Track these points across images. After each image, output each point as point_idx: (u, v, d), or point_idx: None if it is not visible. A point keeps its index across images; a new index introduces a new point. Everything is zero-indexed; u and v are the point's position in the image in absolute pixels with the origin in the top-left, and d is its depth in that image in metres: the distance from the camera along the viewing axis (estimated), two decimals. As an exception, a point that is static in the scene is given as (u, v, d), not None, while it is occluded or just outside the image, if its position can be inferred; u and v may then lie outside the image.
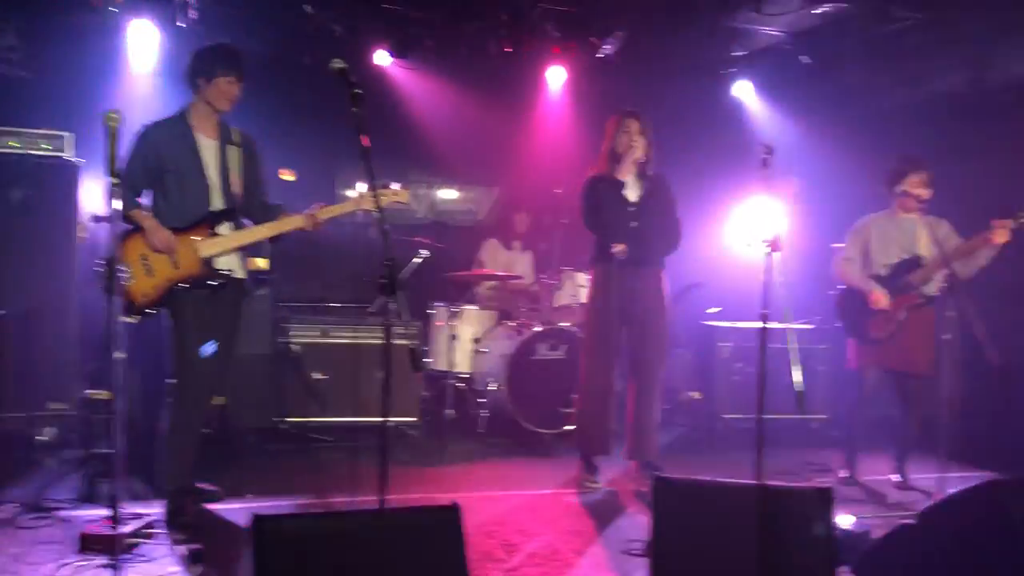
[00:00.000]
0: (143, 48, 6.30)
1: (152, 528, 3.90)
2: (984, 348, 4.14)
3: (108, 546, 3.51)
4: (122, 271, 3.86)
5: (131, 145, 4.06)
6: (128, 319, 3.96)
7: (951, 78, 6.62)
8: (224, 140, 4.24)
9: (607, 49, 6.64)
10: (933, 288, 5.09)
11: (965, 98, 6.52)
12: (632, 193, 5.01)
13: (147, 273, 4.02)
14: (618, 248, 4.91)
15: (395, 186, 4.28)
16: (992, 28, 6.20)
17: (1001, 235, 4.74)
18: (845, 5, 5.87)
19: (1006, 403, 5.73)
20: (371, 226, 4.10)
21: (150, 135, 4.09)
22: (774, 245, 3.96)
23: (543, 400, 5.98)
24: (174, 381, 4.18)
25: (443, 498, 4.56)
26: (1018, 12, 5.83)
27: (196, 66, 4.16)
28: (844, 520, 3.87)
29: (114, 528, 3.21)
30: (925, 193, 5.04)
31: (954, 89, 6.58)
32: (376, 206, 3.83)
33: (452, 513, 2.46)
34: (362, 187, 4.26)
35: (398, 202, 4.29)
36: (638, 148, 4.94)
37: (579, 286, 6.40)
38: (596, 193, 5.00)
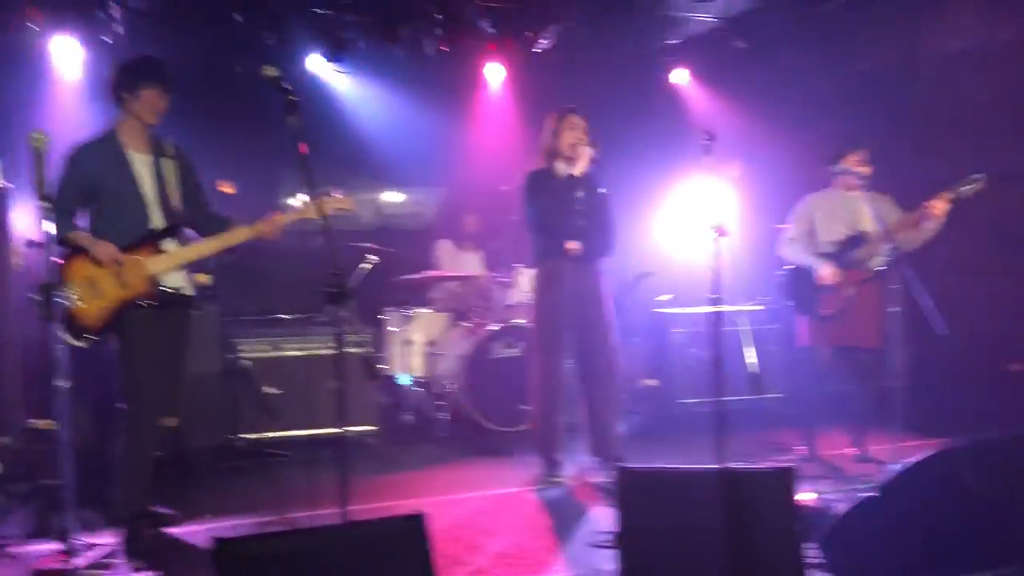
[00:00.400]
0: (68, 66, 6.13)
1: (109, 558, 3.80)
2: (930, 319, 4.21)
3: (63, 581, 3.41)
4: (65, 296, 3.78)
5: (62, 168, 3.94)
6: (78, 343, 3.85)
7: (883, 56, 6.74)
8: (157, 154, 4.13)
9: (543, 43, 6.63)
10: (878, 263, 5.17)
11: (898, 75, 6.65)
12: (578, 190, 4.99)
13: (95, 295, 3.91)
14: (573, 246, 4.90)
15: (337, 193, 4.21)
16: (920, 4, 6.32)
17: (940, 208, 4.83)
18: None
19: (953, 371, 5.85)
20: (314, 235, 4.03)
21: (80, 156, 3.96)
22: (721, 230, 3.99)
23: (502, 399, 5.95)
24: (124, 405, 4.06)
25: (406, 505, 4.56)
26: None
27: (119, 80, 4.04)
28: (806, 497, 3.92)
29: (67, 561, 3.09)
30: (865, 170, 5.11)
31: (886, 66, 6.70)
32: (320, 214, 3.81)
33: (416, 522, 2.42)
34: (304, 196, 4.17)
35: (343, 209, 4.22)
36: (591, 147, 4.92)
37: (532, 282, 6.38)
38: (541, 189, 4.98)
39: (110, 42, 5.91)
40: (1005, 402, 5.54)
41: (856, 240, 5.21)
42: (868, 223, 5.21)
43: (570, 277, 4.95)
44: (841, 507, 3.72)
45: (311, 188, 3.19)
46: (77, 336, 3.85)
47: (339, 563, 2.32)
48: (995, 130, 5.97)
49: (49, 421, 5.39)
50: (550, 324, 5.01)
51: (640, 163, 7.12)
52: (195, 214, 4.25)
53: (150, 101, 4.03)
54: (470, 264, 7.25)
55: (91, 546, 3.81)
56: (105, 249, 3.90)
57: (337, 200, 4.16)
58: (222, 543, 2.33)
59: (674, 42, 7.30)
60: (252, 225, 4.18)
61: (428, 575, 2.37)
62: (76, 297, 3.84)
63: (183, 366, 4.29)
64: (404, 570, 2.37)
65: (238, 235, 4.17)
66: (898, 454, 4.49)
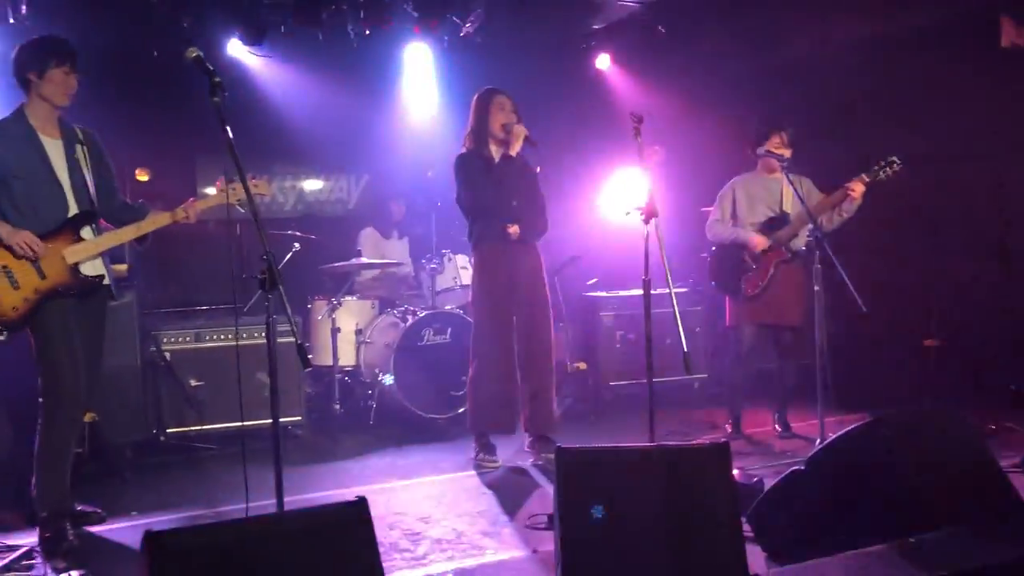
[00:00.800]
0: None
1: (28, 559, 3.65)
2: (853, 297, 4.33)
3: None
4: None
5: None
6: None
7: (799, 39, 6.89)
8: (68, 139, 3.98)
9: (467, 27, 6.59)
10: (800, 243, 5.30)
11: (814, 59, 6.81)
12: (513, 171, 4.98)
13: (12, 286, 3.74)
14: (512, 228, 4.89)
15: (254, 178, 4.11)
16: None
17: (858, 190, 4.97)
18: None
19: (872, 348, 6.05)
20: (232, 223, 3.94)
21: None
22: (648, 212, 4.04)
23: (433, 385, 5.92)
24: (41, 399, 3.90)
25: (341, 494, 4.50)
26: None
27: (25, 61, 3.86)
28: (733, 473, 4.00)
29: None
30: (787, 152, 5.22)
31: (803, 50, 6.85)
32: (240, 199, 3.74)
33: (359, 508, 2.38)
34: (221, 182, 4.09)
35: (259, 194, 4.11)
36: (522, 127, 4.91)
37: (460, 268, 6.37)
38: (473, 172, 4.96)
39: (15, 24, 5.64)
40: (921, 377, 5.76)
41: (778, 221, 5.33)
42: (790, 204, 5.33)
43: (510, 260, 4.95)
44: (767, 482, 3.83)
45: (237, 170, 3.09)
46: None
47: (280, 553, 2.27)
48: (908, 113, 6.17)
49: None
50: (493, 305, 4.99)
51: (565, 147, 7.15)
52: (107, 202, 4.11)
53: (60, 81, 3.86)
54: (396, 251, 7.19)
55: (9, 547, 3.66)
56: (21, 236, 3.73)
57: (255, 185, 4.05)
58: (153, 536, 2.25)
59: (597, 27, 7.33)
60: (170, 211, 4.07)
61: (374, 561, 2.34)
62: None
63: (101, 357, 4.17)
64: (349, 557, 2.33)
65: (155, 221, 4.07)
66: (820, 430, 4.65)
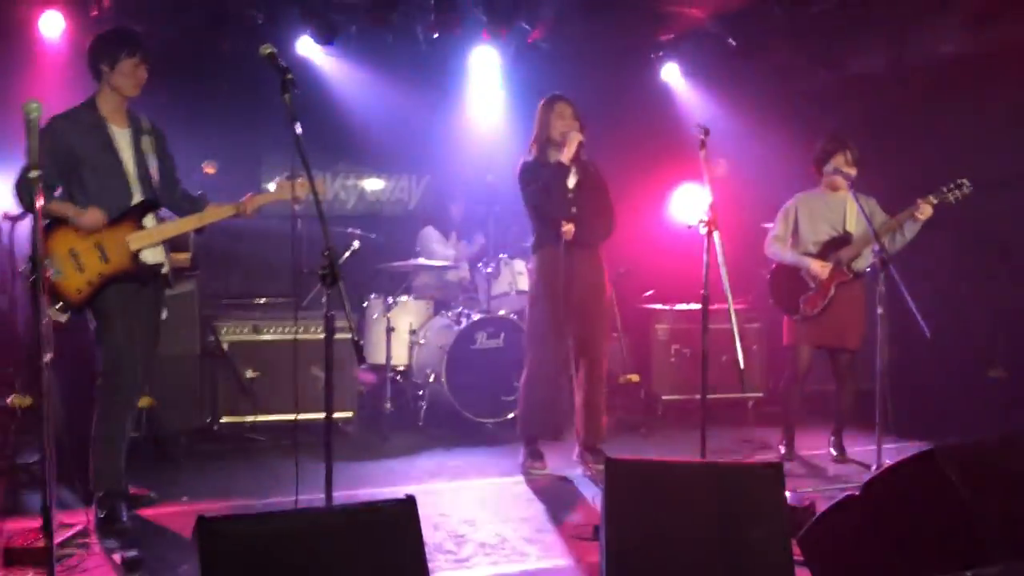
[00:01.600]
0: (53, 39, 6.02)
1: (83, 537, 3.74)
2: (916, 321, 4.23)
3: (37, 559, 3.34)
4: (49, 268, 3.72)
5: (40, 139, 3.87)
6: (60, 318, 3.80)
7: (870, 58, 6.77)
8: (136, 129, 4.09)
9: (536, 34, 6.60)
10: (862, 264, 5.19)
11: (884, 78, 6.69)
12: (570, 179, 4.98)
13: (77, 269, 3.86)
14: (567, 227, 4.87)
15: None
16: (908, 9, 6.36)
17: (925, 210, 4.86)
18: (769, -13, 5.94)
19: (934, 374, 5.90)
20: (295, 218, 4.02)
21: (59, 127, 3.88)
22: (711, 225, 4.00)
23: (483, 389, 5.92)
24: (100, 382, 4.01)
25: (388, 492, 4.53)
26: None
27: (98, 52, 3.97)
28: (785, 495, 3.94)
29: (48, 539, 3.02)
30: (852, 171, 5.12)
31: (874, 69, 6.74)
32: (301, 195, 3.82)
33: (408, 506, 2.39)
34: (280, 178, 4.17)
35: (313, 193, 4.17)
36: (580, 133, 4.91)
37: (517, 273, 6.37)
38: (533, 179, 4.96)
39: (97, 16, 5.80)
40: (984, 407, 5.60)
41: (840, 240, 5.23)
42: (853, 224, 5.23)
43: (568, 264, 4.94)
44: (820, 505, 3.75)
45: (304, 167, 3.13)
46: (61, 309, 3.81)
47: (328, 546, 2.29)
48: (979, 135, 6.02)
49: (23, 398, 5.32)
50: (549, 312, 4.97)
51: (628, 157, 7.11)
52: (169, 192, 4.21)
53: (130, 72, 3.97)
54: (454, 253, 7.21)
55: (65, 525, 3.75)
56: (90, 216, 3.84)
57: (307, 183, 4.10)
58: (205, 522, 2.28)
59: (665, 38, 7.28)
60: (231, 204, 4.15)
61: (420, 559, 2.34)
62: (58, 271, 3.79)
63: (157, 344, 4.26)
64: (395, 553, 2.33)
65: (216, 213, 4.14)
66: (877, 456, 4.55)
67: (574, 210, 4.94)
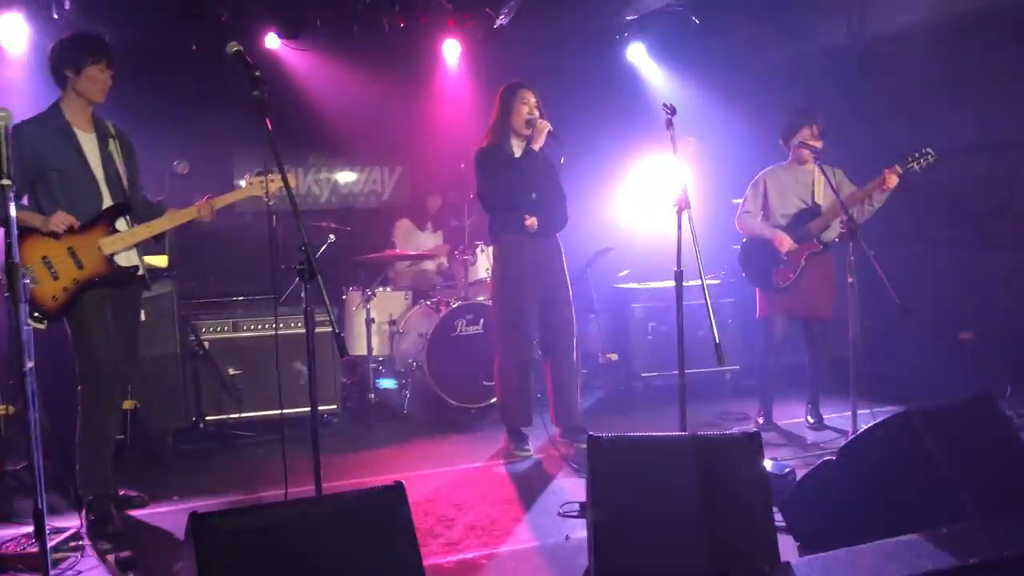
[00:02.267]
0: (13, 43, 5.96)
1: (75, 541, 3.76)
2: (887, 288, 4.32)
3: (31, 564, 3.37)
4: (26, 276, 3.71)
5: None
6: (37, 326, 3.78)
7: (834, 31, 6.84)
8: (101, 134, 4.07)
9: (502, 19, 6.61)
10: (831, 235, 5.28)
11: (848, 49, 6.76)
12: (534, 165, 5.02)
13: (52, 276, 3.85)
14: (529, 221, 4.94)
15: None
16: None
17: (891, 180, 4.95)
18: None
19: (905, 341, 6.01)
20: (271, 215, 4.04)
21: (26, 133, 3.83)
22: (682, 203, 4.05)
23: (465, 375, 5.97)
24: (80, 388, 4.01)
25: (375, 481, 4.57)
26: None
27: (62, 57, 3.94)
28: (765, 464, 4.02)
29: (41, 544, 3.03)
30: (818, 144, 5.20)
31: (838, 41, 6.81)
32: (272, 191, 3.85)
33: (397, 492, 2.44)
34: (250, 175, 4.18)
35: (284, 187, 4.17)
36: (545, 122, 4.94)
37: (493, 260, 6.40)
38: (494, 165, 4.99)
39: (58, 19, 5.76)
40: (954, 370, 5.72)
41: (810, 212, 5.32)
42: (821, 196, 5.32)
43: (530, 252, 4.99)
44: (799, 473, 3.84)
45: (277, 163, 3.16)
46: (35, 319, 3.79)
47: (320, 534, 2.34)
48: (942, 104, 6.11)
49: (4, 407, 5.30)
50: (514, 299, 5.04)
51: (597, 138, 7.17)
52: (133, 199, 4.19)
53: (95, 77, 3.95)
54: (430, 243, 7.25)
55: (56, 530, 3.76)
56: (58, 217, 3.82)
57: (278, 179, 4.09)
58: (198, 518, 2.32)
59: (631, 18, 7.32)
60: (194, 205, 4.11)
61: (411, 543, 2.40)
62: (32, 278, 3.78)
63: (138, 346, 4.29)
64: (387, 539, 2.39)
65: (183, 215, 4.10)
66: (852, 422, 4.65)
67: (534, 196, 5.00)
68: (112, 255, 3.97)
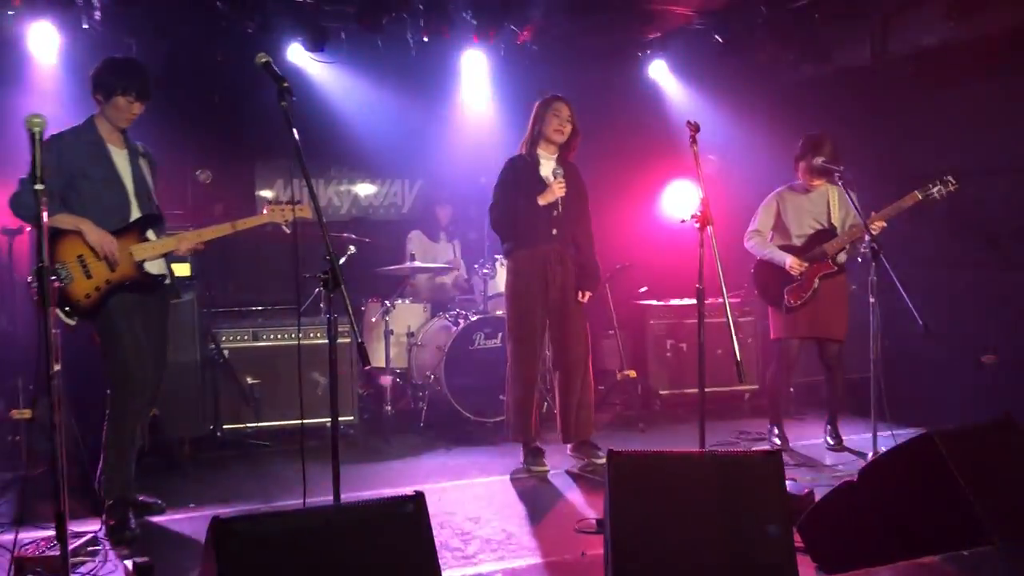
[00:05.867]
0: (44, 52, 6.04)
1: (94, 545, 3.78)
2: (909, 310, 4.30)
3: (51, 567, 3.38)
4: (57, 273, 3.82)
5: (43, 153, 3.92)
6: (67, 321, 3.90)
7: (855, 51, 6.84)
8: (132, 151, 4.21)
9: (525, 35, 6.65)
10: (844, 257, 5.27)
11: (869, 70, 6.76)
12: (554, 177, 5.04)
13: (86, 275, 3.96)
14: (557, 189, 4.90)
15: (299, 202, 4.26)
16: (891, 4, 6.43)
17: (908, 204, 4.93)
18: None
19: (925, 362, 5.97)
20: (295, 225, 4.09)
21: (61, 143, 3.98)
22: (703, 221, 4.06)
23: (482, 389, 5.97)
24: (110, 395, 4.06)
25: (392, 493, 4.55)
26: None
27: (96, 80, 4.09)
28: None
29: (62, 548, 3.05)
30: (835, 165, 5.18)
31: (858, 62, 6.81)
32: (286, 219, 4.09)
33: (417, 502, 2.44)
34: (270, 196, 4.29)
35: (302, 217, 4.22)
36: (566, 132, 4.97)
37: (512, 273, 6.42)
38: (518, 175, 5.00)
39: (87, 28, 5.84)
40: (976, 393, 5.68)
41: (825, 234, 5.31)
42: (836, 217, 5.31)
43: (544, 267, 4.99)
44: (818, 493, 3.82)
45: (305, 175, 3.18)
46: (68, 314, 3.91)
47: (340, 542, 2.34)
48: (965, 125, 6.09)
49: (22, 411, 5.36)
50: (525, 314, 5.04)
51: (617, 154, 7.18)
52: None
53: (122, 107, 4.07)
54: (443, 254, 7.26)
55: (76, 534, 3.78)
56: (101, 234, 3.95)
57: (300, 209, 4.18)
58: (220, 523, 2.33)
59: (653, 35, 7.35)
60: (223, 224, 4.27)
61: (430, 554, 2.40)
62: (67, 275, 3.90)
63: (166, 355, 4.36)
64: (407, 549, 2.39)
65: (214, 231, 4.24)
66: (871, 443, 4.62)
67: (555, 212, 4.99)
68: (142, 261, 4.09)
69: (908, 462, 3.23)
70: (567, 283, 5.09)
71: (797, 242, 5.37)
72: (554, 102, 5.03)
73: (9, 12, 5.67)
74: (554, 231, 5.00)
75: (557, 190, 4.91)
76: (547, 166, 5.05)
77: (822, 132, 5.35)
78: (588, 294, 5.15)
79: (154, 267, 4.17)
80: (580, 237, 5.16)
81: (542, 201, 4.93)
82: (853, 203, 4.91)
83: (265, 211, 4.29)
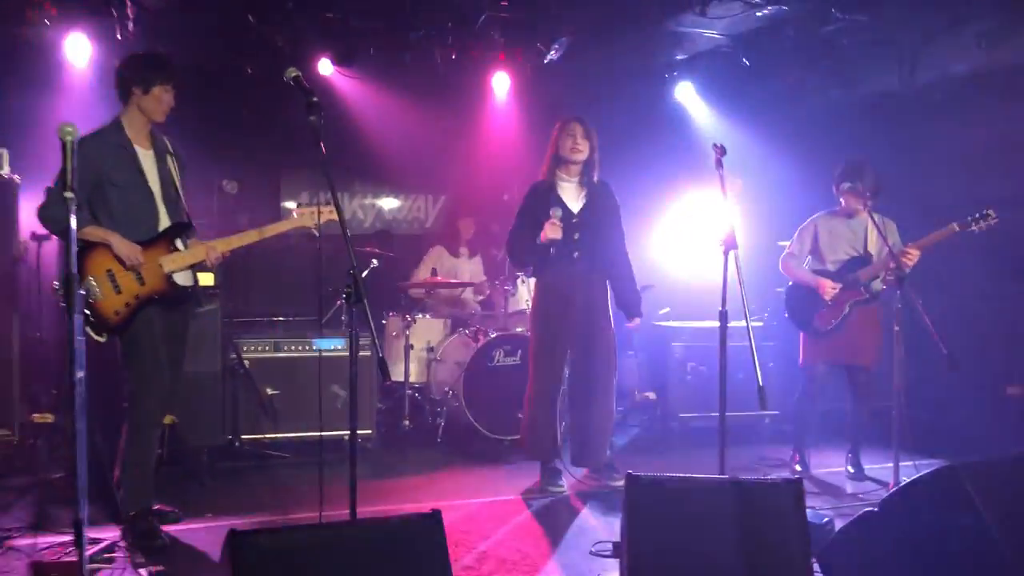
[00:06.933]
0: (78, 61, 6.13)
1: (110, 552, 3.79)
2: (935, 340, 4.25)
3: (68, 573, 3.39)
4: (87, 289, 3.80)
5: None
6: (99, 338, 3.86)
7: (883, 77, 6.81)
8: (159, 151, 4.13)
9: (552, 55, 6.67)
10: (879, 285, 5.23)
11: (898, 96, 6.72)
12: (574, 202, 5.02)
13: (115, 290, 3.91)
14: (549, 231, 4.83)
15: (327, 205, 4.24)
16: (920, 28, 6.40)
17: (946, 234, 4.88)
18: (785, 8, 5.98)
19: (951, 392, 5.90)
20: (319, 238, 4.11)
21: (87, 148, 3.84)
22: (729, 244, 4.03)
23: (501, 407, 5.95)
24: (129, 406, 4.07)
25: (408, 509, 4.57)
26: (944, 13, 6.03)
27: (130, 75, 4.02)
28: (805, 512, 3.95)
29: (80, 554, 3.05)
30: (871, 193, 5.14)
31: (888, 88, 6.77)
32: (314, 224, 4.01)
33: (434, 520, 2.44)
34: (299, 206, 4.27)
35: (330, 219, 4.20)
36: (582, 151, 4.95)
37: (533, 291, 6.41)
38: (534, 201, 5.00)
39: (121, 39, 5.92)
40: (1001, 425, 5.60)
41: (860, 261, 5.27)
42: (873, 245, 5.27)
43: (570, 289, 4.97)
44: (838, 522, 3.77)
45: (331, 188, 3.20)
46: (97, 331, 3.86)
47: (355, 558, 2.34)
48: (994, 154, 6.04)
49: (44, 415, 5.40)
50: (547, 335, 5.03)
51: (642, 175, 7.17)
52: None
53: (161, 98, 4.02)
54: (465, 269, 7.26)
55: (93, 540, 3.80)
56: (131, 248, 3.90)
57: (330, 211, 4.13)
58: (236, 535, 2.33)
59: (680, 57, 7.35)
60: (251, 231, 4.22)
61: (445, 572, 2.39)
62: (98, 291, 3.86)
63: (183, 364, 4.31)
64: (422, 566, 2.38)
65: (243, 238, 4.19)
66: (893, 473, 4.55)
67: (577, 236, 4.97)
68: (171, 273, 4.02)
69: (931, 493, 3.19)
70: (594, 305, 5.05)
71: (832, 268, 5.34)
72: (567, 123, 5.01)
73: (46, 22, 5.75)
74: (576, 254, 4.98)
75: (549, 232, 4.84)
76: (568, 189, 5.03)
77: (862, 158, 5.30)
78: (637, 320, 5.16)
79: (182, 278, 4.10)
80: (615, 256, 5.13)
81: (541, 239, 4.89)
82: (879, 230, 4.88)
83: (295, 215, 4.23)
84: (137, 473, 4.04)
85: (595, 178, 5.08)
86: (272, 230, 4.22)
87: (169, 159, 4.15)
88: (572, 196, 5.03)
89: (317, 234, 4.06)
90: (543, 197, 4.99)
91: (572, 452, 5.15)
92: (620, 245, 5.18)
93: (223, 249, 4.16)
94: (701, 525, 2.85)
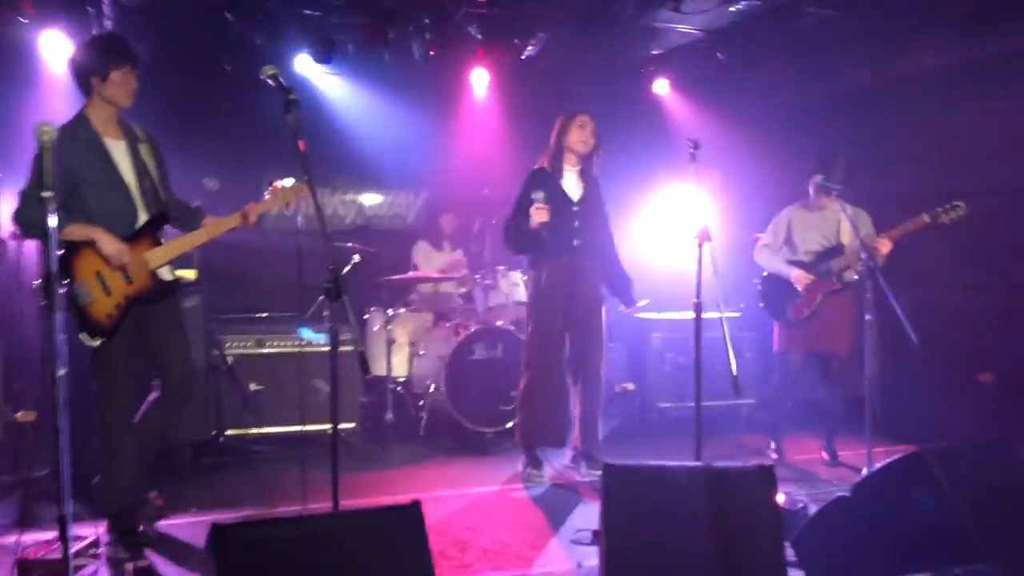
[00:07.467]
0: (55, 60, 6.11)
1: (94, 548, 3.82)
2: (904, 328, 4.33)
3: (52, 570, 3.42)
4: (80, 293, 3.68)
5: (35, 159, 3.58)
6: (93, 343, 3.72)
7: (858, 71, 6.89)
8: (130, 139, 3.91)
9: (530, 50, 6.72)
10: (852, 275, 5.32)
11: (872, 89, 6.80)
12: (575, 191, 5.09)
13: (105, 292, 3.76)
14: (536, 215, 4.88)
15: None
16: (894, 21, 6.48)
17: (919, 225, 4.97)
18: (758, 3, 6.05)
19: (923, 380, 6.00)
20: (297, 234, 4.13)
21: (57, 146, 3.55)
22: (703, 236, 4.10)
23: (482, 399, 6.01)
24: (98, 404, 3.92)
25: (391, 501, 4.59)
26: (917, 7, 6.11)
27: (85, 64, 3.80)
28: (777, 498, 4.03)
29: (64, 550, 3.07)
30: (842, 184, 5.22)
31: (861, 81, 6.85)
32: (298, 197, 3.98)
33: (413, 510, 2.49)
34: (275, 184, 4.20)
35: (299, 197, 4.15)
36: (590, 143, 5.04)
37: (513, 284, 6.48)
38: (536, 188, 5.04)
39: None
40: (973, 412, 5.71)
41: (833, 251, 5.36)
42: (845, 236, 5.35)
43: (569, 277, 5.04)
44: (812, 509, 3.85)
45: (310, 186, 3.23)
46: (91, 335, 3.73)
47: (338, 549, 2.39)
48: (968, 145, 6.13)
49: (28, 413, 5.40)
50: (549, 322, 5.08)
51: (620, 169, 7.21)
52: (169, 203, 4.05)
53: (122, 82, 3.81)
54: (449, 261, 7.31)
55: (76, 537, 3.82)
56: (117, 246, 3.74)
57: (297, 188, 4.13)
58: (220, 529, 2.38)
59: (657, 52, 7.41)
60: (235, 214, 4.04)
61: (426, 562, 2.44)
62: (90, 297, 3.72)
63: (189, 353, 4.13)
64: (402, 557, 2.44)
65: (221, 225, 4.02)
66: (867, 459, 4.64)
67: (577, 224, 5.05)
68: (156, 269, 3.89)
69: (901, 478, 3.27)
70: (593, 293, 5.13)
71: (805, 258, 5.43)
72: (579, 115, 5.10)
73: (21, 19, 5.73)
74: (575, 242, 5.04)
75: (536, 216, 4.88)
76: (570, 178, 5.11)
77: (835, 151, 5.39)
78: (639, 303, 5.27)
79: (166, 272, 3.96)
80: (606, 247, 5.22)
81: (532, 226, 4.93)
82: (850, 220, 4.96)
83: (267, 195, 4.10)
84: (109, 474, 3.92)
85: (594, 171, 5.16)
86: (254, 210, 4.05)
87: (142, 147, 3.93)
88: (573, 185, 5.11)
89: (299, 218, 3.97)
90: (545, 183, 5.02)
91: (575, 439, 5.19)
92: (609, 237, 5.27)
93: (205, 239, 4.00)
94: (676, 511, 2.92)
